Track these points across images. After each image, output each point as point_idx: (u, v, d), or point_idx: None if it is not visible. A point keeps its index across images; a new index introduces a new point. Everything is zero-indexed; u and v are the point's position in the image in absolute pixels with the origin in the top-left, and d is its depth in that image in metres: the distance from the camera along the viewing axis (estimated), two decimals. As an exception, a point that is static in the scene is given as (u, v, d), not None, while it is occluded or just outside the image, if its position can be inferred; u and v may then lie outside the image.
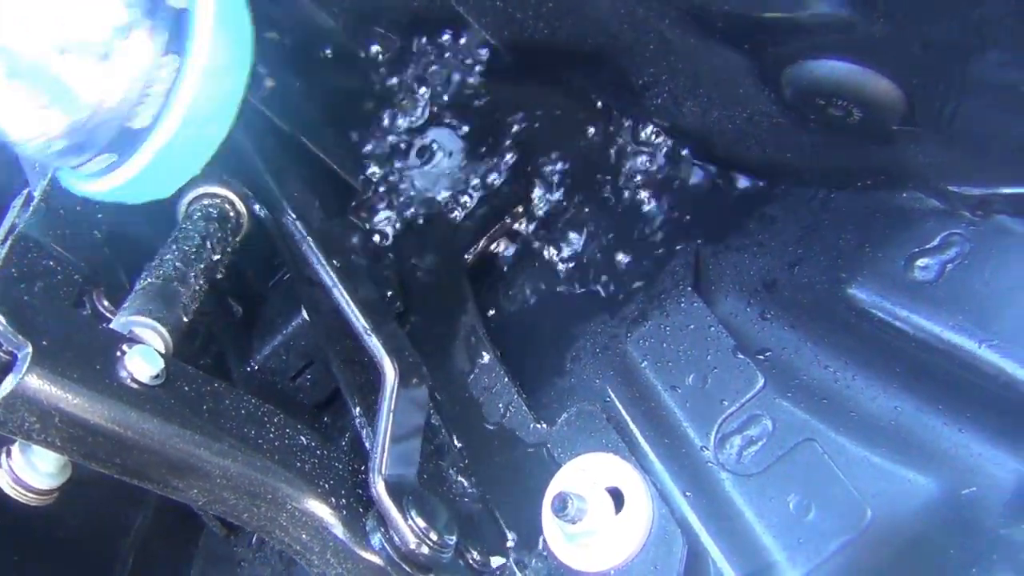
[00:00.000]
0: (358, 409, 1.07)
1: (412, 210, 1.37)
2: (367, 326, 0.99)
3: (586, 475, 1.04)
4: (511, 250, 1.29)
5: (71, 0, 0.86)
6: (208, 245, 1.05)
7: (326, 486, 0.93)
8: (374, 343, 0.99)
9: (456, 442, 1.16)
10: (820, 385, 1.02)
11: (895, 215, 1.01)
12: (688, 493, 1.03)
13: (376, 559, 0.92)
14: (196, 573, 1.34)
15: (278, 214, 1.08)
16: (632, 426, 1.09)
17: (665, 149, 1.23)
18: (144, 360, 0.83)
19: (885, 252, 1.00)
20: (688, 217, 1.18)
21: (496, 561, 1.07)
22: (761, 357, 1.05)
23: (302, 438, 0.95)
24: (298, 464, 0.92)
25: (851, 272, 1.01)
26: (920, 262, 0.98)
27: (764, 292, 1.09)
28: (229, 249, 1.10)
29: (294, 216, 1.06)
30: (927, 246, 0.98)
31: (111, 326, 0.90)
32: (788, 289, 1.07)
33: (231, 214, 1.11)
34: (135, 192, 0.97)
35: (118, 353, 0.83)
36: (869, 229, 1.02)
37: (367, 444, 1.02)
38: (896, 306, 0.98)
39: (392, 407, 0.96)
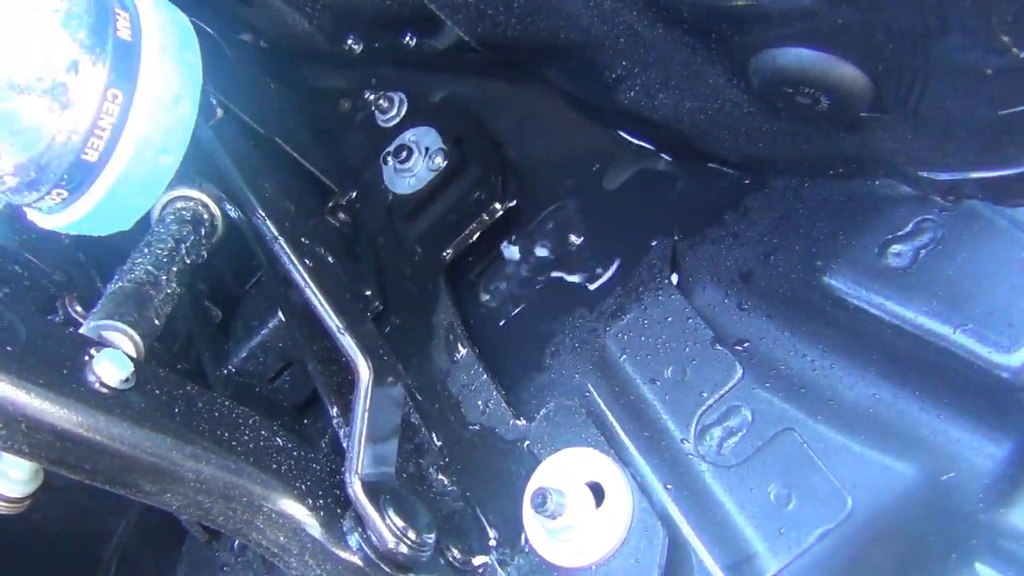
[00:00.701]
0: (335, 409, 1.07)
1: (390, 208, 1.36)
2: (340, 325, 0.99)
3: (566, 470, 1.03)
4: (489, 247, 1.29)
5: (23, 38, 0.84)
6: (181, 248, 1.05)
7: (303, 487, 0.92)
8: (347, 342, 0.98)
9: (436, 440, 1.15)
10: (798, 374, 1.01)
11: (868, 202, 1.01)
12: (669, 485, 1.03)
13: (354, 559, 0.92)
14: (179, 578, 1.33)
15: (250, 215, 1.08)
16: (612, 420, 1.09)
17: (641, 144, 1.23)
18: (113, 364, 0.82)
19: (859, 240, 1.00)
20: (664, 210, 1.18)
21: (479, 559, 1.06)
22: (739, 348, 1.05)
23: (278, 439, 0.94)
24: (274, 466, 0.91)
25: (826, 260, 1.01)
26: (894, 249, 0.98)
27: (741, 283, 1.08)
28: (204, 252, 1.09)
29: (264, 215, 1.05)
30: (900, 233, 0.98)
31: (81, 331, 0.89)
32: (764, 279, 1.07)
33: (205, 217, 1.11)
34: (94, 225, 0.96)
35: (86, 358, 0.82)
36: (842, 217, 1.02)
37: (345, 444, 1.02)
38: (871, 293, 0.98)
39: (367, 406, 0.95)
